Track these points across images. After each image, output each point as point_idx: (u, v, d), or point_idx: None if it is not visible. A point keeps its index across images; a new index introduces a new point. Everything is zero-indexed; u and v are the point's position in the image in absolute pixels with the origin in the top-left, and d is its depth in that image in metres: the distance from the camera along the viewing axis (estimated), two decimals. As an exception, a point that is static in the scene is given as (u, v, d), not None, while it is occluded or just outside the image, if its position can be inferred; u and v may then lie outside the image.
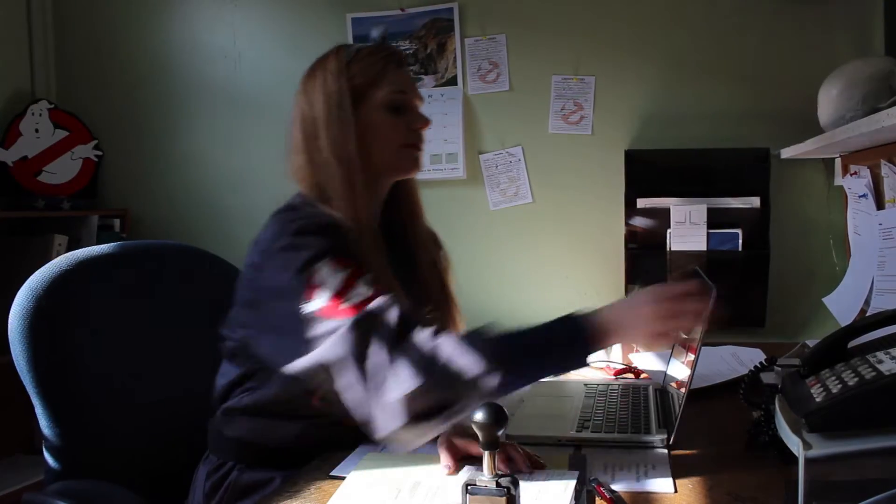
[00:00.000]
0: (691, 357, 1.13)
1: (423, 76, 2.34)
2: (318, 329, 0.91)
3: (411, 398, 0.86)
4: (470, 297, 1.35)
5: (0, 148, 2.32)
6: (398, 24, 2.34)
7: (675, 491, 0.89)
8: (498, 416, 0.72)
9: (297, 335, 0.93)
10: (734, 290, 2.07)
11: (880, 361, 0.76)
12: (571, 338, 0.93)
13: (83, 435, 1.10)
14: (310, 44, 2.40)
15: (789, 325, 2.12)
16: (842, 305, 1.86)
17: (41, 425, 1.08)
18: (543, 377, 0.99)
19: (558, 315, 0.96)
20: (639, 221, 2.18)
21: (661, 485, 0.91)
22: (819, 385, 0.78)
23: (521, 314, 1.31)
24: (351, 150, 1.07)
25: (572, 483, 0.86)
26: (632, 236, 2.19)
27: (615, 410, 1.19)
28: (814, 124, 1.82)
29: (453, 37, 2.32)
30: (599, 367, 1.57)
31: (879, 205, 1.69)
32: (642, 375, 1.48)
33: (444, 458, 0.99)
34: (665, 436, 1.05)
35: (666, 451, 1.03)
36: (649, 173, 2.18)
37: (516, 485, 0.72)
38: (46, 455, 1.08)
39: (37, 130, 2.40)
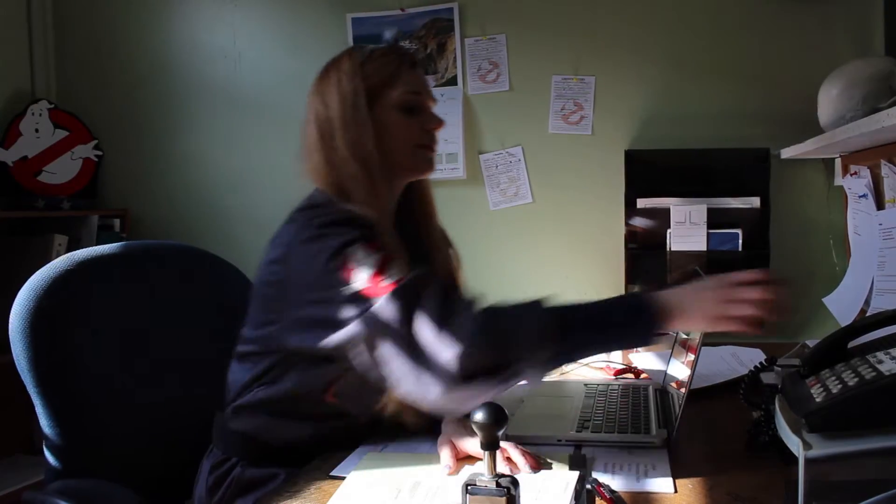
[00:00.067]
0: (691, 357, 1.13)
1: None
2: (362, 307, 0.92)
3: (462, 357, 0.86)
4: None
5: (0, 148, 2.32)
6: (398, 24, 2.34)
7: (675, 491, 0.89)
8: (498, 416, 0.72)
9: (335, 318, 0.93)
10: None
11: (880, 361, 0.76)
12: (634, 315, 0.92)
13: (83, 434, 1.10)
14: (310, 44, 2.41)
15: (789, 326, 2.12)
16: (842, 305, 1.86)
17: (42, 425, 1.08)
18: (601, 352, 0.99)
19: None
20: (639, 221, 2.18)
21: (661, 485, 0.91)
22: (819, 385, 0.78)
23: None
24: (369, 149, 1.07)
25: (572, 483, 0.86)
26: (632, 236, 2.19)
27: (615, 410, 1.19)
28: (814, 124, 1.83)
29: (453, 37, 2.32)
30: (599, 367, 1.57)
31: (879, 205, 1.69)
32: (642, 375, 1.48)
33: (444, 458, 0.99)
34: (665, 436, 1.05)
35: (666, 451, 1.03)
36: (649, 173, 2.18)
37: (516, 485, 0.72)
38: (47, 454, 1.08)
39: (37, 130, 2.40)
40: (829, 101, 1.73)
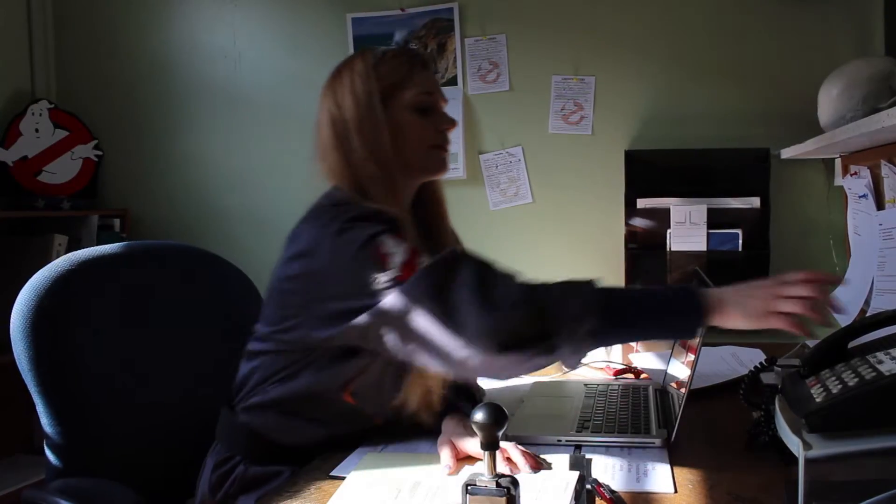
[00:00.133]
0: (691, 357, 1.14)
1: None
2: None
3: (501, 323, 0.87)
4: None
5: (0, 148, 2.32)
6: (398, 24, 2.34)
7: (675, 491, 0.89)
8: (498, 416, 0.72)
9: (368, 307, 0.93)
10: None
11: (880, 362, 0.76)
12: (682, 303, 0.91)
13: (84, 434, 1.10)
14: (310, 44, 2.41)
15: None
16: (842, 305, 1.86)
17: (42, 424, 1.08)
18: (642, 338, 0.98)
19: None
20: (639, 221, 2.18)
21: (661, 485, 0.91)
22: (819, 385, 0.78)
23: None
24: (387, 150, 1.08)
25: (572, 483, 0.86)
26: (632, 236, 2.19)
27: (615, 411, 1.19)
28: (814, 124, 1.83)
29: (453, 37, 2.32)
30: (599, 368, 1.57)
31: (879, 205, 1.69)
32: (642, 375, 1.48)
33: (444, 458, 0.99)
34: (665, 436, 1.05)
35: (666, 451, 1.03)
36: (649, 173, 2.18)
37: (516, 485, 0.72)
38: (47, 453, 1.09)
39: (37, 130, 2.40)
40: (829, 101, 1.73)
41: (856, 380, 0.74)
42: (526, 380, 1.47)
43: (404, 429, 1.12)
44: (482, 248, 1.01)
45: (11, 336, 1.06)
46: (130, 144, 2.56)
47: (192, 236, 2.42)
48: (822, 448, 0.69)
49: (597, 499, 0.85)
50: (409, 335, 0.92)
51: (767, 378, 0.93)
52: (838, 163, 2.02)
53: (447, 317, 0.89)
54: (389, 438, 1.12)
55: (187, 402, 1.25)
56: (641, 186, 2.17)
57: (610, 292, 0.93)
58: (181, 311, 1.29)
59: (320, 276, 0.99)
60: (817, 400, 0.74)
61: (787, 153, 2.05)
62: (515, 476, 0.73)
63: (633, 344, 1.60)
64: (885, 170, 1.64)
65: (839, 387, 0.74)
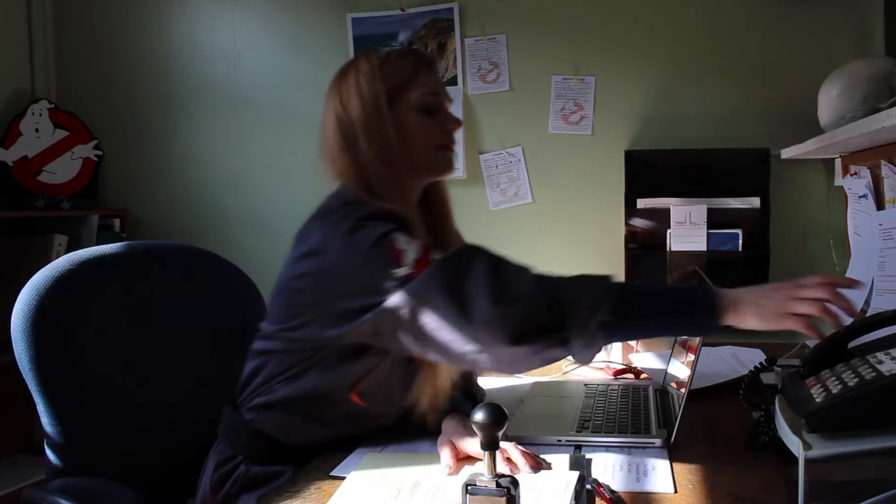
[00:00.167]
0: (691, 357, 1.14)
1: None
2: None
3: (516, 311, 0.88)
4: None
5: (0, 148, 2.33)
6: (398, 24, 2.34)
7: (675, 491, 0.89)
8: (498, 416, 0.72)
9: (382, 301, 0.94)
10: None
11: (880, 362, 0.76)
12: (699, 300, 0.91)
13: (84, 433, 1.10)
14: (310, 44, 2.41)
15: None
16: (842, 305, 1.86)
17: (43, 423, 1.08)
18: (658, 334, 0.98)
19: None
20: (639, 221, 2.18)
21: (661, 485, 0.91)
22: (819, 385, 0.78)
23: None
24: (394, 150, 1.08)
25: (572, 483, 0.87)
26: (632, 236, 2.19)
27: (615, 411, 1.19)
28: (814, 124, 1.83)
29: (453, 37, 2.32)
30: (599, 368, 1.57)
31: (879, 205, 1.69)
32: (642, 375, 1.48)
33: (444, 458, 0.99)
34: (665, 436, 1.05)
35: (666, 451, 1.03)
36: (649, 173, 2.18)
37: (516, 485, 0.72)
38: (48, 452, 1.09)
39: (37, 130, 2.40)
40: (829, 101, 1.73)
41: (856, 380, 0.74)
42: (526, 380, 1.47)
43: (404, 429, 1.12)
44: (482, 249, 1.01)
45: (12, 336, 1.07)
46: (130, 144, 2.56)
47: (192, 236, 2.42)
48: (822, 448, 0.69)
49: (597, 499, 0.85)
50: (424, 329, 0.92)
51: (767, 378, 0.93)
52: (838, 163, 2.02)
53: (461, 310, 0.90)
54: (389, 438, 1.12)
55: (187, 402, 1.25)
56: (641, 186, 2.17)
57: (625, 287, 0.92)
58: (181, 311, 1.29)
59: (331, 275, 0.99)
60: (817, 400, 0.74)
61: (787, 153, 2.05)
62: (515, 476, 0.73)
63: (632, 344, 1.60)
64: (885, 170, 1.64)
65: (839, 387, 0.74)
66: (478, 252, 0.95)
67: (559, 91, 2.28)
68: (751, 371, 1.05)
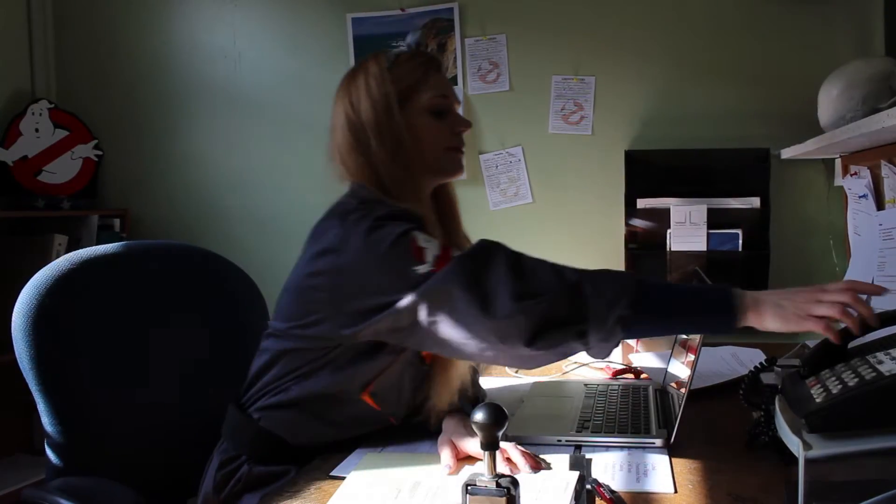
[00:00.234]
0: (691, 357, 1.14)
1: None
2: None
3: (535, 307, 0.88)
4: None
5: (0, 148, 2.33)
6: (398, 24, 2.34)
7: (675, 491, 0.89)
8: (498, 416, 0.72)
9: (401, 298, 0.94)
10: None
11: (880, 362, 0.76)
12: (721, 300, 0.91)
13: (84, 433, 1.10)
14: (310, 44, 2.41)
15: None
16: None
17: (43, 423, 1.08)
18: (676, 331, 0.97)
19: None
20: (639, 222, 2.18)
21: (661, 485, 0.91)
22: (819, 385, 0.78)
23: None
24: (406, 151, 1.08)
25: (572, 483, 0.87)
26: (632, 236, 2.19)
27: (615, 411, 1.19)
28: (814, 125, 1.83)
29: (453, 37, 2.32)
30: (599, 368, 1.57)
31: (879, 205, 1.69)
32: (642, 375, 1.48)
33: (445, 458, 0.99)
34: (665, 436, 1.05)
35: (666, 451, 1.03)
36: (649, 173, 2.18)
37: (516, 485, 0.72)
38: (48, 452, 1.09)
39: (37, 130, 2.40)
40: (829, 101, 1.73)
41: (856, 380, 0.74)
42: (526, 380, 1.47)
43: (404, 429, 1.13)
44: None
45: (12, 335, 1.07)
46: (130, 144, 2.56)
47: (192, 236, 2.42)
48: (822, 448, 0.69)
49: (597, 499, 0.85)
50: (444, 324, 0.92)
51: (767, 378, 0.93)
52: (838, 163, 2.02)
53: (483, 305, 0.90)
54: (389, 438, 1.12)
55: (187, 402, 1.25)
56: (641, 186, 2.17)
57: (645, 283, 0.92)
58: (181, 311, 1.29)
59: (349, 273, 0.99)
60: (817, 400, 0.74)
61: (787, 153, 2.05)
62: (515, 476, 0.73)
63: (632, 344, 1.60)
64: (885, 170, 1.64)
65: (839, 387, 0.74)
66: (497, 248, 0.96)
67: (559, 91, 2.28)
68: (751, 371, 1.05)
